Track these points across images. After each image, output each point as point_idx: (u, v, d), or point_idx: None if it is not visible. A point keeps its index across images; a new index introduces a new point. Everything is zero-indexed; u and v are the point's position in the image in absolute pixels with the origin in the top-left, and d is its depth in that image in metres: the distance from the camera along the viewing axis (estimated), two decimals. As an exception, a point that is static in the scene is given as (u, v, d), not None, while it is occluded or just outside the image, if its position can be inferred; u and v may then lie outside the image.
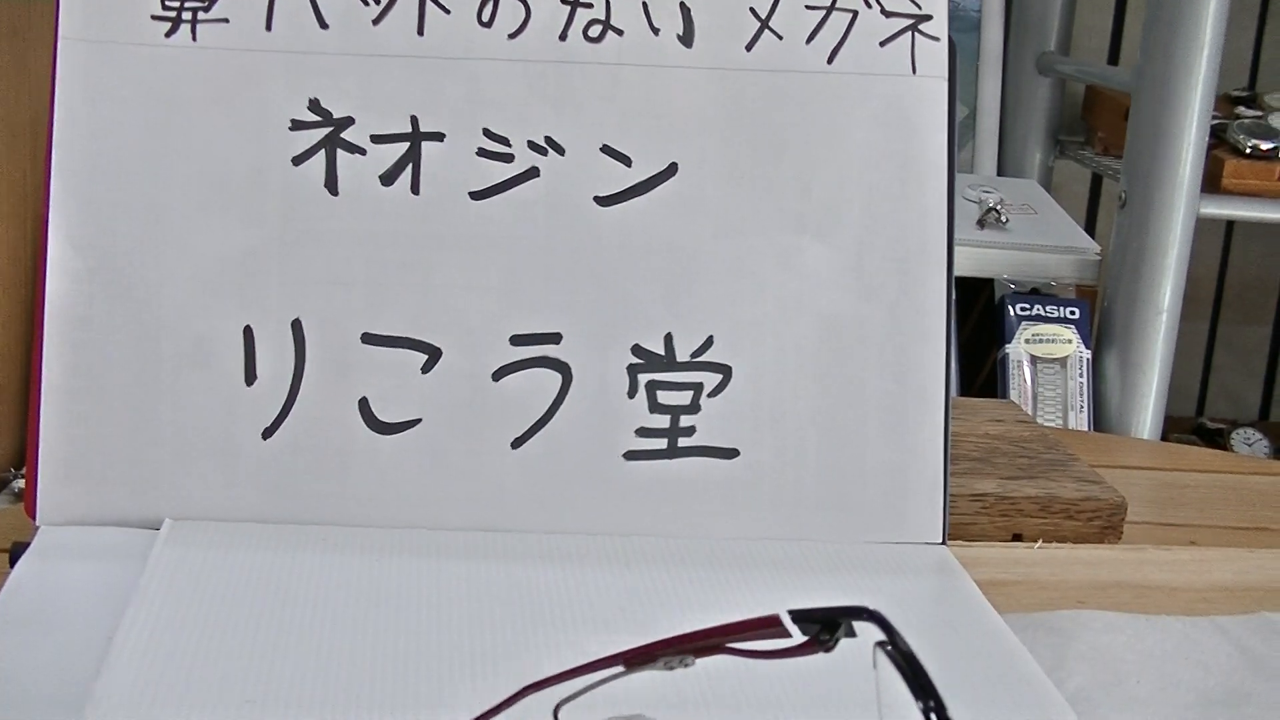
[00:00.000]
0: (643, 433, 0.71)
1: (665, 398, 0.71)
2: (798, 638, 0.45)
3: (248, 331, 0.69)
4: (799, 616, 0.45)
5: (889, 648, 0.44)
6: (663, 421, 0.71)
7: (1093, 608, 0.71)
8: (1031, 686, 0.60)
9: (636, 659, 0.46)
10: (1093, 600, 0.72)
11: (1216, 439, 2.05)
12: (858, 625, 0.45)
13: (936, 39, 0.73)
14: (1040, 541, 0.80)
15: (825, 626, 0.46)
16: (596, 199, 0.71)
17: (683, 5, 0.72)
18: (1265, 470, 1.04)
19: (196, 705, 0.54)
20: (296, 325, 0.69)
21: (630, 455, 0.71)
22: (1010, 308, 1.62)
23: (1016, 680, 0.61)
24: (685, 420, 0.71)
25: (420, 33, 0.71)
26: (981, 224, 1.70)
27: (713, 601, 0.65)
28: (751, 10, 0.72)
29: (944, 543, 0.73)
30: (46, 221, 0.68)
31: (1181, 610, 0.72)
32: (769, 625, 0.46)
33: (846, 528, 0.72)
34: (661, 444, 0.71)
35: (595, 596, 0.65)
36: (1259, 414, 2.37)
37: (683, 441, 0.71)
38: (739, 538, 0.71)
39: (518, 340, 0.70)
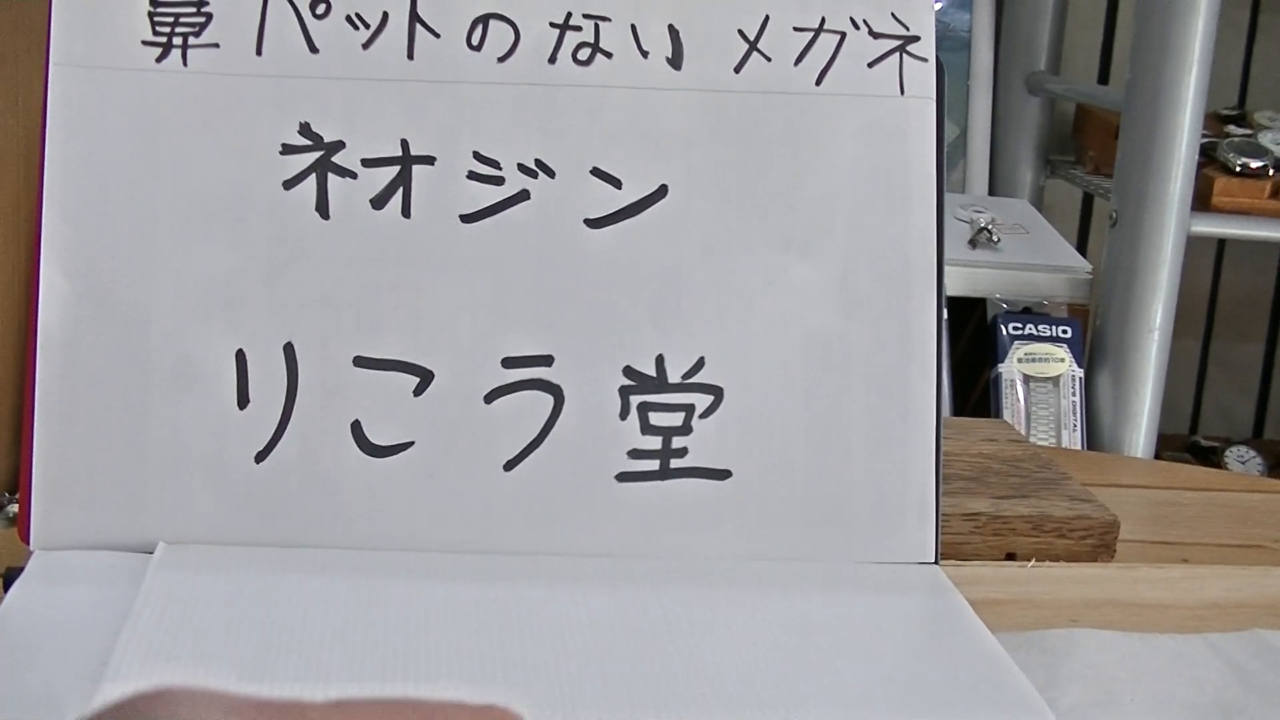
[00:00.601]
0: (635, 454, 0.71)
1: (657, 419, 0.71)
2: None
3: (240, 355, 0.69)
4: None
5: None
6: (655, 443, 0.71)
7: (1086, 626, 0.71)
8: (1025, 706, 0.60)
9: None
10: (1086, 619, 0.72)
11: (1210, 457, 2.05)
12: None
13: (924, 60, 0.74)
14: (1033, 560, 0.80)
15: None
16: (587, 221, 0.71)
17: (671, 28, 0.72)
18: (1258, 488, 1.04)
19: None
20: (289, 348, 0.69)
21: (622, 477, 0.71)
22: (1003, 327, 1.62)
23: (1010, 700, 0.61)
24: (677, 441, 0.71)
25: (410, 56, 0.71)
26: (973, 244, 1.70)
27: (705, 623, 0.65)
28: (740, 32, 0.73)
29: (936, 562, 0.73)
30: (39, 246, 0.69)
31: (1174, 628, 0.72)
32: None
33: (838, 547, 0.72)
34: (654, 465, 0.71)
35: (588, 620, 0.65)
36: (1253, 431, 2.37)
37: (675, 463, 0.71)
38: (731, 558, 0.71)
39: (509, 362, 0.70)
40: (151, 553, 0.68)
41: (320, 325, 0.70)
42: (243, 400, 0.69)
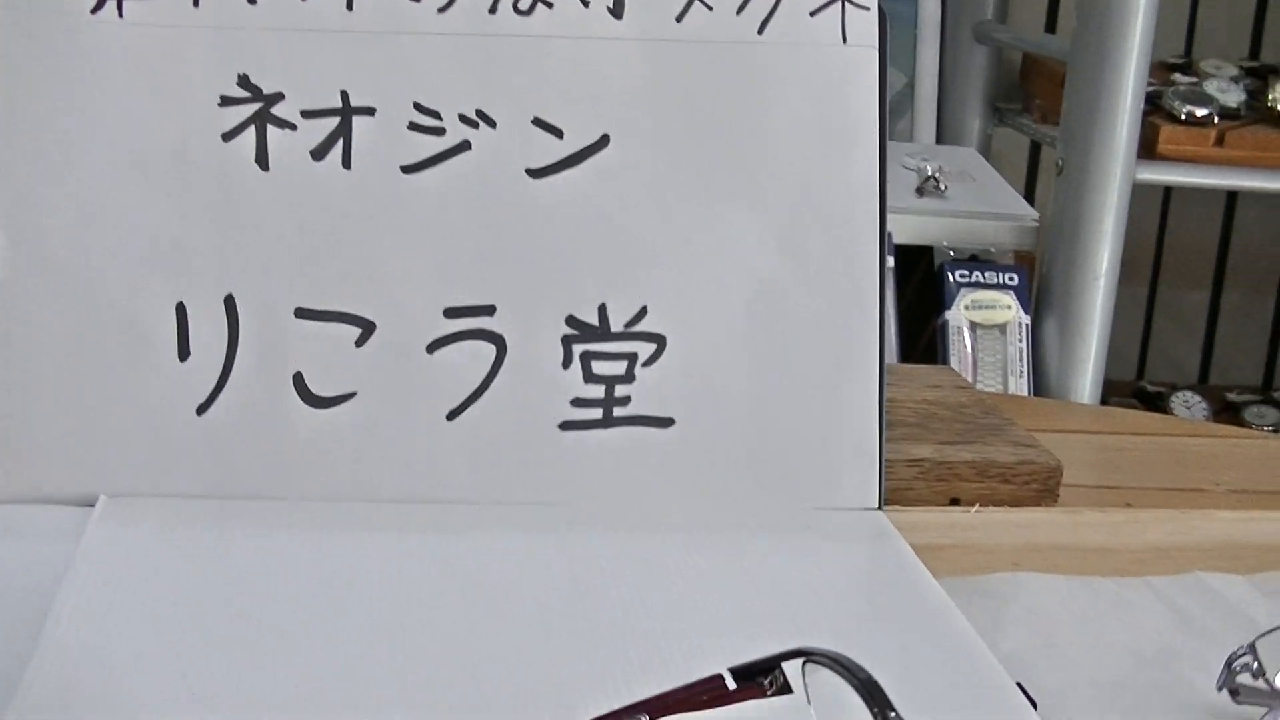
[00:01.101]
0: (578, 403, 0.71)
1: (600, 368, 0.71)
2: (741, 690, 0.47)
3: (180, 308, 0.69)
4: (739, 673, 0.47)
5: (815, 659, 0.46)
6: (597, 392, 0.71)
7: (1028, 570, 0.72)
8: (966, 650, 0.60)
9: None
10: (1028, 563, 0.73)
11: (1157, 403, 2.06)
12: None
13: (866, 8, 0.73)
14: (977, 506, 0.80)
15: (764, 672, 0.47)
16: (529, 171, 0.71)
17: (611, -24, 0.72)
18: (1202, 432, 1.05)
19: (133, 693, 0.53)
20: (229, 301, 0.69)
21: (566, 425, 0.71)
22: (949, 275, 1.62)
23: (952, 644, 0.61)
24: (620, 390, 0.71)
25: (349, 7, 0.70)
26: (920, 192, 1.71)
27: (648, 573, 0.66)
28: (681, -20, 0.72)
29: (880, 508, 0.73)
30: (-25, 200, 0.68)
31: (1116, 571, 0.73)
32: (713, 684, 0.47)
33: (782, 494, 0.72)
34: (597, 414, 0.71)
35: (533, 570, 0.65)
36: (1198, 377, 2.39)
37: (618, 411, 0.71)
38: (675, 505, 0.72)
39: (451, 313, 0.70)
40: (91, 506, 0.67)
41: (261, 277, 0.69)
42: (183, 352, 0.69)
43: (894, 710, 0.44)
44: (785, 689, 0.47)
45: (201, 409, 0.69)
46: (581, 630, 0.60)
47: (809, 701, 0.46)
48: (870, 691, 0.44)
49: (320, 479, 0.70)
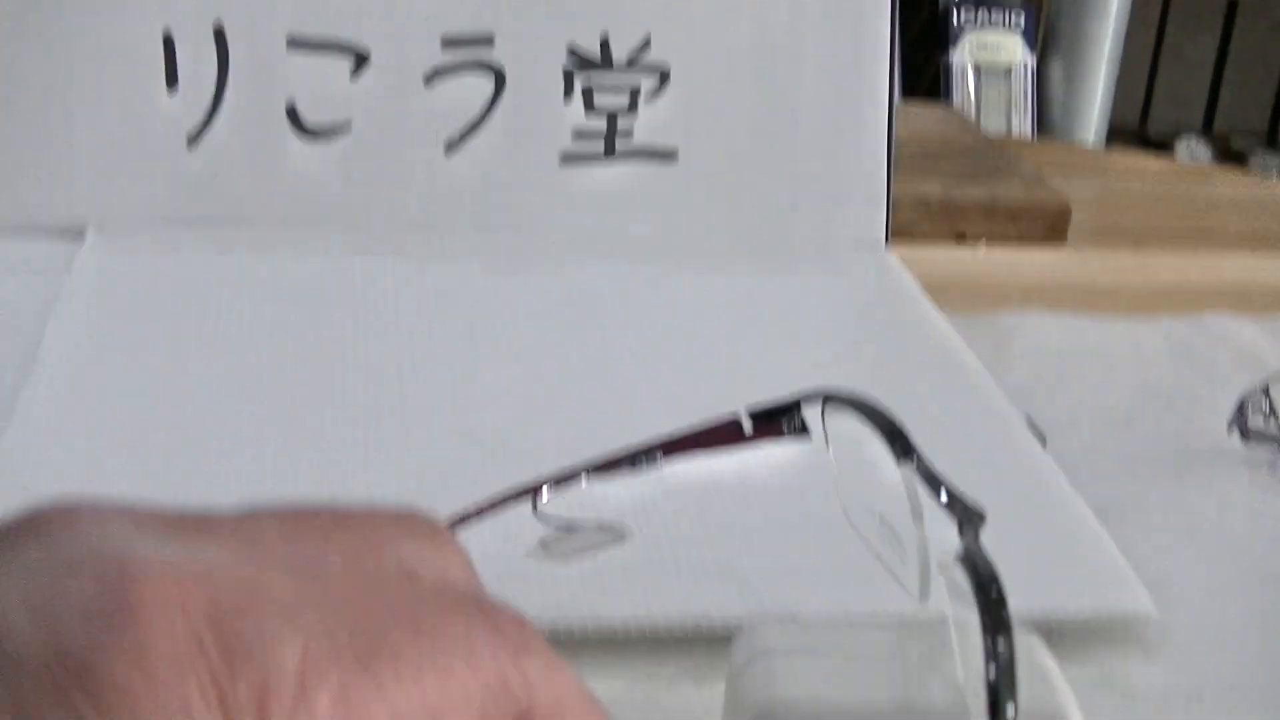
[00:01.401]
0: (579, 135, 0.69)
1: (602, 100, 0.69)
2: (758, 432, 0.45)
3: (167, 36, 0.66)
4: (757, 414, 0.45)
5: (836, 400, 0.44)
6: (599, 124, 0.69)
7: (1036, 309, 0.71)
8: (973, 384, 0.60)
9: (604, 468, 0.45)
10: (1037, 302, 0.72)
11: (1161, 147, 2.04)
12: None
13: None
14: (984, 242, 0.79)
15: (782, 414, 0.45)
16: (528, -100, 0.69)
17: None
18: (1207, 176, 1.03)
19: (127, 418, 0.53)
20: (219, 30, 0.67)
21: (567, 158, 0.69)
22: (955, 15, 1.60)
23: (958, 378, 0.60)
24: (623, 123, 0.70)
25: None
26: (926, -69, 1.67)
27: (654, 309, 0.65)
28: None
29: (886, 242, 0.72)
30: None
31: (1125, 311, 0.72)
32: (729, 425, 0.45)
33: (787, 228, 0.71)
34: (598, 146, 0.69)
35: (535, 304, 0.64)
36: (1203, 123, 2.37)
37: (620, 144, 0.70)
38: (679, 240, 0.70)
39: (449, 43, 0.68)
40: (81, 235, 0.66)
41: (251, 6, 0.67)
42: (171, 81, 0.67)
43: (917, 453, 0.42)
44: (803, 431, 0.46)
45: (192, 140, 0.67)
46: (588, 366, 0.59)
47: (828, 444, 0.45)
48: (892, 434, 0.43)
49: (314, 209, 0.68)
